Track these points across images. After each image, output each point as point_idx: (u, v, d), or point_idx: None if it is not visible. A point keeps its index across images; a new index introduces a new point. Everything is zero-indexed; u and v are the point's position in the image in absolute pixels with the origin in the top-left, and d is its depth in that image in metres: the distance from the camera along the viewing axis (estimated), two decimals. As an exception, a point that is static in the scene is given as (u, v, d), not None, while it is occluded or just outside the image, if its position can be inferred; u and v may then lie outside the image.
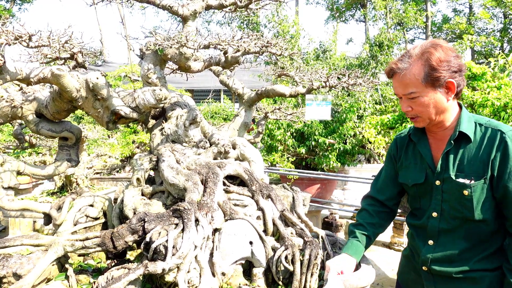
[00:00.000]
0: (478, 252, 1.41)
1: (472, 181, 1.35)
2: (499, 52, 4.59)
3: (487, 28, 21.28)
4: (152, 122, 2.61)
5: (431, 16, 21.61)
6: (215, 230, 1.88)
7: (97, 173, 6.48)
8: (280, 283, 1.83)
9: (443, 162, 1.43)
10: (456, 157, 1.41)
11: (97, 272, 2.02)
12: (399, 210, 2.21)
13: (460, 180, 1.38)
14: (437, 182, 1.45)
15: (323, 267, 1.96)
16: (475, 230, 1.40)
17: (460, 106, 1.47)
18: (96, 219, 2.32)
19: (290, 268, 1.78)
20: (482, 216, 1.36)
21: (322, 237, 2.08)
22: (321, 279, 1.87)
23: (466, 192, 1.36)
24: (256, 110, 3.93)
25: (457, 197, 1.39)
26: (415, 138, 1.55)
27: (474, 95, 4.58)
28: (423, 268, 1.50)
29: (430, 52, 1.35)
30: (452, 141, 1.41)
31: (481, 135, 1.39)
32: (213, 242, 1.86)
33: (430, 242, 1.49)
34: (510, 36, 19.94)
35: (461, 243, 1.42)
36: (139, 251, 2.17)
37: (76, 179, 4.31)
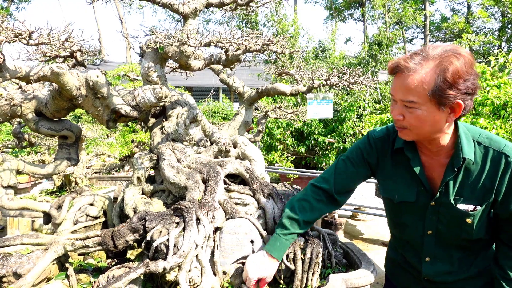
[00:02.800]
0: (474, 260, 1.42)
1: (476, 209, 1.27)
2: (499, 51, 4.60)
3: (485, 27, 21.34)
4: (152, 120, 2.60)
5: (430, 16, 21.65)
6: (216, 229, 1.87)
7: (96, 172, 6.46)
8: (281, 282, 1.83)
9: (442, 187, 1.31)
10: (456, 181, 1.29)
11: (98, 271, 2.01)
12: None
13: (461, 206, 1.29)
14: (432, 203, 1.34)
15: (324, 266, 1.95)
16: (469, 245, 1.39)
17: (456, 124, 1.30)
18: (96, 218, 2.31)
19: (292, 266, 1.78)
20: (479, 236, 1.34)
21: (323, 236, 2.07)
22: (322, 278, 1.87)
23: (469, 220, 1.29)
24: (256, 109, 3.93)
25: (457, 223, 1.32)
26: (410, 155, 1.36)
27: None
28: (424, 278, 1.49)
29: (450, 62, 1.11)
30: (456, 169, 1.27)
31: (481, 157, 1.26)
32: (214, 241, 1.85)
33: (427, 259, 1.44)
34: (508, 35, 19.99)
35: (457, 256, 1.41)
36: (139, 250, 2.17)
37: (75, 178, 4.29)
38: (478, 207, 1.27)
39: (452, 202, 1.29)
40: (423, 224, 1.39)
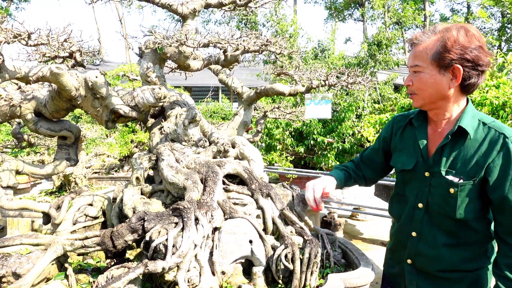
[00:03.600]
0: (462, 252, 1.38)
1: (461, 181, 1.31)
2: (498, 51, 4.60)
3: (484, 27, 21.35)
4: (151, 121, 2.61)
5: (429, 16, 21.65)
6: (215, 229, 1.88)
7: (95, 172, 6.47)
8: (280, 281, 1.83)
9: (437, 156, 1.38)
10: (451, 153, 1.35)
11: (97, 271, 2.02)
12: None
13: (449, 177, 1.33)
14: (426, 174, 1.40)
15: (323, 266, 1.96)
16: (457, 229, 1.37)
17: (467, 101, 1.39)
18: (95, 218, 2.31)
19: (290, 266, 1.79)
20: (463, 216, 1.33)
21: (321, 236, 2.08)
22: (321, 277, 1.87)
23: (452, 190, 1.32)
24: (255, 109, 3.93)
25: (442, 193, 1.35)
26: (417, 123, 1.49)
27: (472, 93, 4.59)
28: (408, 261, 1.49)
29: (451, 31, 1.28)
30: (449, 136, 1.34)
31: (482, 135, 1.31)
32: (213, 241, 1.86)
33: (413, 234, 1.45)
34: (508, 35, 20.01)
35: (443, 240, 1.39)
36: (138, 250, 2.17)
37: (74, 178, 4.30)
38: (465, 180, 1.31)
39: (443, 172, 1.35)
40: (416, 196, 1.44)
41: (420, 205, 1.43)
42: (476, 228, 1.36)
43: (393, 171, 1.75)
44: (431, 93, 1.34)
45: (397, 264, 1.57)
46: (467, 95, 1.37)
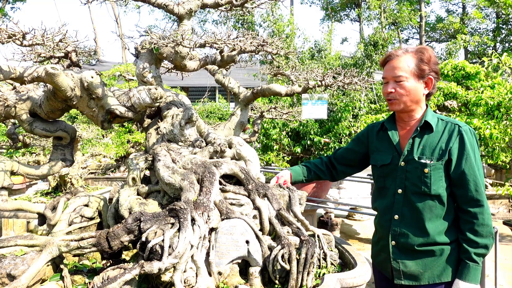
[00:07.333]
0: (436, 226, 1.63)
1: (432, 162, 1.63)
2: (492, 52, 4.63)
3: (480, 28, 21.48)
4: (147, 121, 2.60)
5: (425, 16, 21.74)
6: (212, 230, 1.88)
7: (92, 173, 6.44)
8: (277, 282, 1.83)
9: (409, 146, 1.70)
10: (420, 143, 1.69)
11: (92, 272, 2.01)
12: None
13: (422, 160, 1.65)
14: (402, 163, 1.71)
15: (319, 266, 1.96)
16: (431, 204, 1.63)
17: (427, 105, 1.78)
18: (91, 219, 2.30)
19: (287, 267, 1.79)
20: (437, 191, 1.62)
21: (318, 236, 2.08)
22: (318, 277, 1.88)
23: (426, 170, 1.63)
24: (252, 109, 3.93)
25: (418, 174, 1.65)
26: (388, 126, 1.83)
27: (468, 94, 4.61)
28: (392, 242, 1.71)
29: (425, 49, 1.70)
30: (418, 128, 1.70)
31: (442, 127, 1.68)
32: (209, 241, 1.85)
33: (396, 216, 1.71)
34: (502, 36, 20.14)
35: (420, 216, 1.64)
36: (134, 251, 2.16)
37: (70, 179, 4.28)
38: (435, 161, 1.63)
39: (416, 158, 1.67)
40: (395, 184, 1.72)
41: (400, 191, 1.70)
42: (446, 202, 1.64)
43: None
44: (410, 98, 1.69)
45: (383, 251, 1.78)
46: (427, 101, 1.77)
